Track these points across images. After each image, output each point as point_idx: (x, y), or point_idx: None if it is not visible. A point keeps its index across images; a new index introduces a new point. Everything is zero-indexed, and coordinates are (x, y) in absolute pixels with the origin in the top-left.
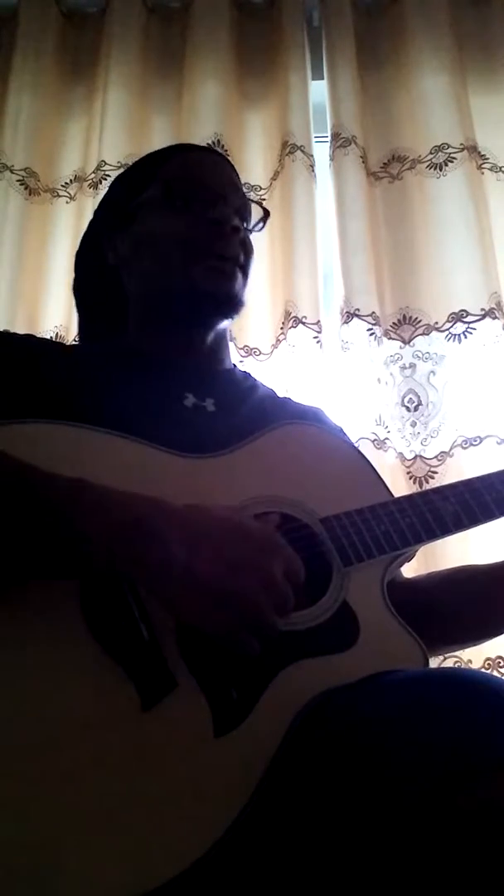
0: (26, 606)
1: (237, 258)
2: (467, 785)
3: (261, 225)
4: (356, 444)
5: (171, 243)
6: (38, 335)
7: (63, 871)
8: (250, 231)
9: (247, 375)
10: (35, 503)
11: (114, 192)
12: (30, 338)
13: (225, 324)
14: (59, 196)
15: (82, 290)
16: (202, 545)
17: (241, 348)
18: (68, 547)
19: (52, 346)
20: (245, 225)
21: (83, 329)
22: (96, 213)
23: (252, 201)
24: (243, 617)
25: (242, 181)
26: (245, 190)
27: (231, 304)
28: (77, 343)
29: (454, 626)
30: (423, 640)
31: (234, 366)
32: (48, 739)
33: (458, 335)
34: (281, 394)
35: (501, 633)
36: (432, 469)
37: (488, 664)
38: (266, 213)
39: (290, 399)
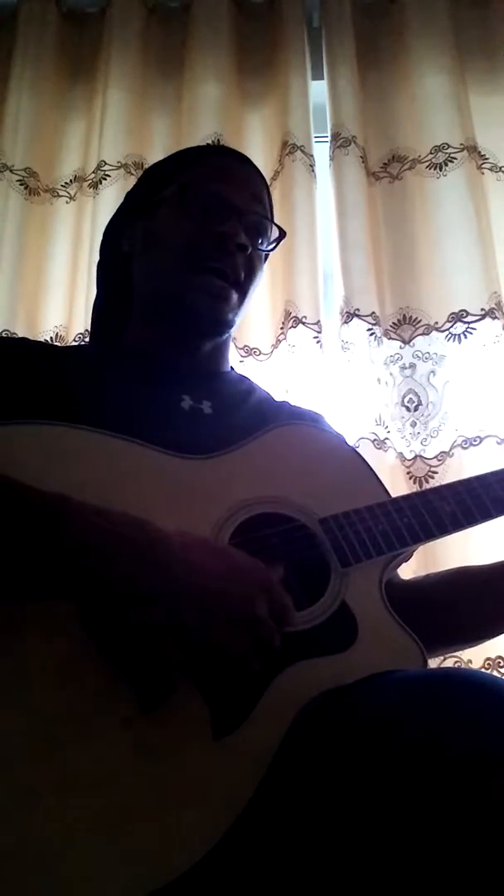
0: (23, 611)
1: (236, 278)
2: (468, 784)
3: (274, 245)
4: (356, 444)
5: (174, 247)
6: (38, 335)
7: (64, 874)
8: (262, 251)
9: (244, 378)
10: (18, 522)
11: (143, 180)
12: (25, 341)
13: (217, 340)
14: (59, 196)
15: (100, 274)
16: (183, 572)
17: (241, 348)
18: (52, 568)
19: (48, 349)
20: (258, 243)
21: (94, 323)
22: (126, 195)
23: (269, 221)
24: (221, 651)
25: None
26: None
27: (216, 328)
28: (74, 345)
29: (453, 627)
30: (422, 641)
31: (232, 368)
32: (47, 743)
33: (458, 335)
34: (280, 396)
35: (500, 634)
36: (432, 469)
37: (488, 664)
38: (282, 234)
39: (287, 402)
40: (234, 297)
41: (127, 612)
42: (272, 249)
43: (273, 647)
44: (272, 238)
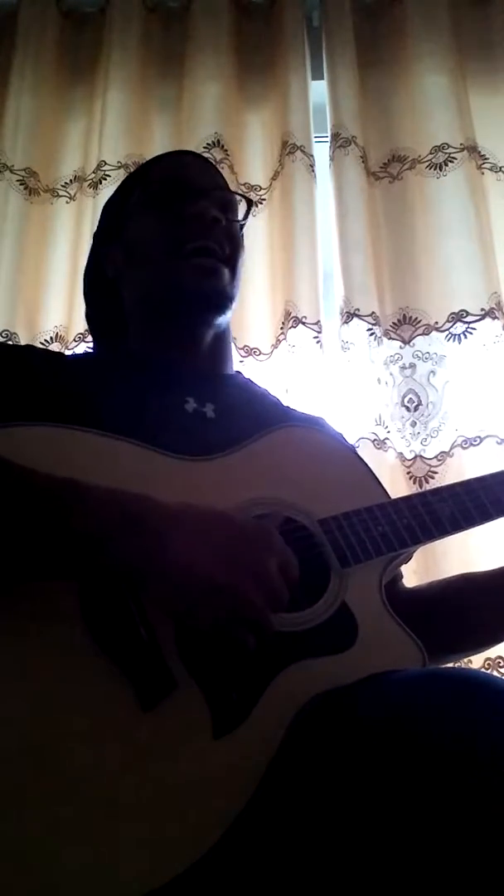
0: (25, 608)
1: (221, 252)
2: (469, 784)
3: (247, 217)
4: (356, 444)
5: (154, 243)
6: (38, 335)
7: (64, 873)
8: (238, 223)
9: (249, 382)
10: (30, 504)
11: (107, 206)
12: (29, 348)
13: (220, 321)
14: (59, 196)
15: (89, 305)
16: (196, 540)
17: (241, 348)
18: (64, 546)
19: (52, 356)
20: (231, 217)
21: (92, 333)
22: (95, 232)
23: (237, 194)
24: (236, 610)
25: (242, 181)
26: (245, 190)
27: (219, 301)
28: (79, 353)
29: (457, 634)
30: (429, 650)
31: (238, 372)
32: (47, 741)
33: (458, 335)
34: (282, 396)
35: (502, 641)
36: (432, 469)
37: (488, 664)
38: (250, 203)
39: (292, 409)
40: (225, 271)
41: (142, 591)
42: (244, 221)
43: (280, 600)
44: (242, 213)
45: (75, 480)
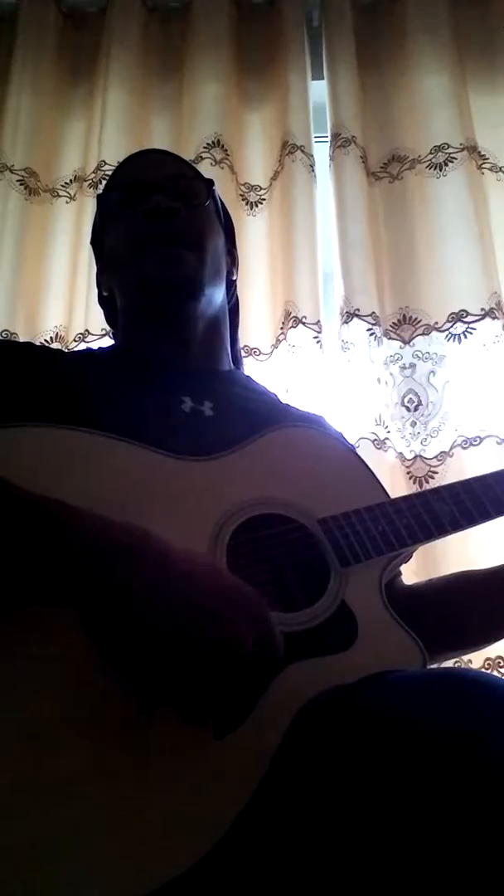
0: (24, 612)
1: (185, 239)
2: (469, 783)
3: (210, 198)
4: (356, 444)
5: (122, 247)
6: (38, 335)
7: (62, 875)
8: (197, 204)
9: (249, 379)
10: (14, 525)
11: (93, 226)
12: (29, 345)
13: (199, 309)
14: (59, 196)
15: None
16: (180, 587)
17: (241, 348)
18: (57, 572)
19: (51, 354)
20: (192, 202)
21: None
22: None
23: (196, 178)
24: (200, 668)
25: (242, 181)
26: (245, 190)
27: (186, 287)
28: (78, 350)
29: (456, 631)
30: (428, 648)
31: (237, 368)
32: (46, 744)
33: (458, 335)
34: (282, 395)
35: (502, 639)
36: (432, 469)
37: (488, 664)
38: (209, 184)
39: (291, 406)
40: (190, 256)
41: (123, 623)
42: (209, 201)
43: (245, 676)
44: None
45: (62, 505)
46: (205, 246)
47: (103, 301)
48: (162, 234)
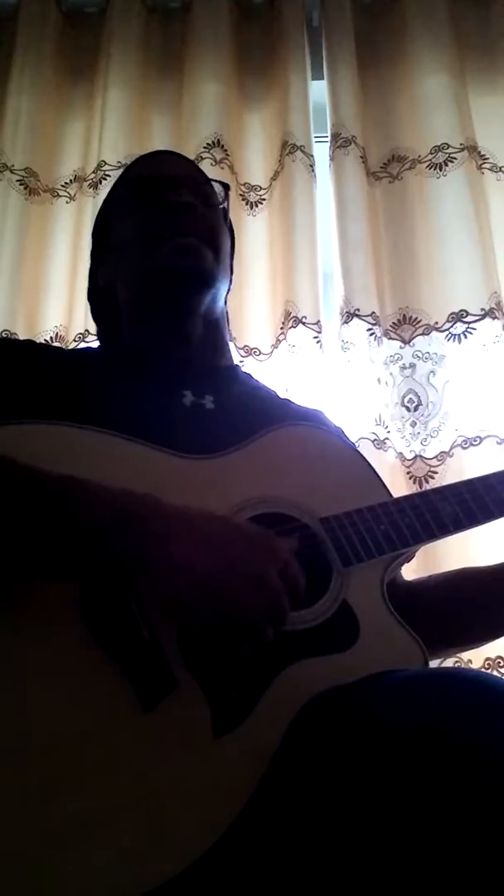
0: (25, 606)
1: (201, 234)
2: (469, 783)
3: (226, 201)
4: (356, 444)
5: (134, 238)
6: (38, 335)
7: (62, 871)
8: (213, 205)
9: (248, 376)
10: (30, 499)
11: (96, 219)
12: (30, 343)
13: (207, 304)
14: (59, 196)
15: (92, 312)
16: (197, 542)
17: (241, 348)
18: (64, 541)
19: (52, 351)
20: (206, 203)
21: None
22: (91, 248)
23: (213, 181)
24: (233, 615)
25: (242, 181)
26: (245, 190)
27: (201, 278)
28: (79, 348)
29: (455, 628)
30: (427, 643)
31: (236, 365)
32: (48, 740)
33: (458, 335)
34: (281, 395)
35: (503, 636)
36: (432, 469)
37: (488, 664)
38: (226, 187)
39: (290, 401)
40: (207, 251)
41: (141, 588)
42: (223, 203)
43: (284, 616)
44: (220, 197)
45: (75, 477)
46: (218, 244)
47: (94, 295)
48: (178, 225)
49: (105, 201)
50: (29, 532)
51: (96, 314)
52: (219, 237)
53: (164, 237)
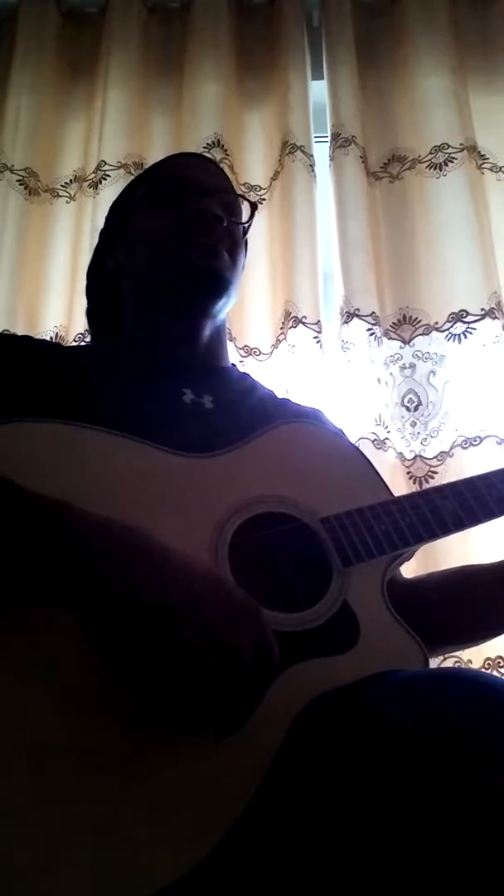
0: (25, 615)
1: (223, 244)
2: (470, 784)
3: (251, 220)
4: (356, 444)
5: (160, 235)
6: (38, 335)
7: (63, 875)
8: (241, 224)
9: (245, 375)
10: (19, 526)
11: (112, 206)
12: (29, 339)
13: (219, 310)
14: (59, 196)
15: (89, 301)
16: (177, 590)
17: (241, 348)
18: (56, 581)
19: (51, 347)
20: (233, 218)
21: (90, 327)
22: (101, 230)
23: (240, 197)
24: (194, 676)
25: (242, 181)
26: (245, 190)
27: (216, 281)
28: (77, 345)
29: (455, 626)
30: (424, 641)
31: (234, 365)
32: (47, 744)
33: (458, 335)
34: (280, 394)
35: (502, 634)
36: (432, 469)
37: (488, 664)
38: (253, 207)
39: (289, 400)
40: (226, 256)
41: (124, 624)
42: (248, 223)
43: (242, 685)
44: (246, 216)
45: (66, 505)
46: (236, 258)
47: (95, 281)
48: (206, 231)
49: (126, 191)
50: (12, 558)
51: (94, 304)
52: (238, 252)
53: (190, 238)
